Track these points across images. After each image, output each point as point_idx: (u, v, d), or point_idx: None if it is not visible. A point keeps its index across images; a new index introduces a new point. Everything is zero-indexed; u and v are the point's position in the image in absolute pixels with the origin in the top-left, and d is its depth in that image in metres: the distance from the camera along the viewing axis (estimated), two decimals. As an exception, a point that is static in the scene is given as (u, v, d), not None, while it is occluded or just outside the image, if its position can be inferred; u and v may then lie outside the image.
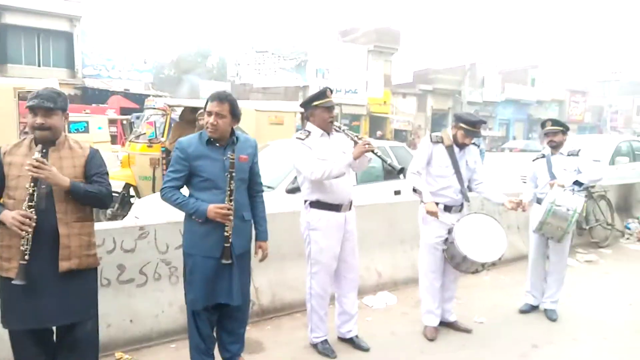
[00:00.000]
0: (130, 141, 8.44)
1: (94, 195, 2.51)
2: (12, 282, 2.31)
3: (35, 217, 2.32)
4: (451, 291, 4.03)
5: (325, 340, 3.54)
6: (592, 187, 6.85)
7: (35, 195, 2.33)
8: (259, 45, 29.94)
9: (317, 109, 3.38)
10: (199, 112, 7.27)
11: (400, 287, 4.93)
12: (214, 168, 2.80)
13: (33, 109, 2.41)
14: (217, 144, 2.84)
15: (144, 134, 8.27)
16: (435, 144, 3.81)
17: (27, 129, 2.56)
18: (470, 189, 3.97)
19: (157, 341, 3.55)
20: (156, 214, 4.37)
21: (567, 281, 4.45)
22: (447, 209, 3.77)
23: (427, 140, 3.85)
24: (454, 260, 3.69)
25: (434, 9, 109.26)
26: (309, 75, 29.40)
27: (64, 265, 2.44)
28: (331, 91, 3.41)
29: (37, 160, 2.31)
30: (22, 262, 2.30)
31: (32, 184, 2.31)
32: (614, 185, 7.83)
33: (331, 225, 3.38)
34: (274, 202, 4.78)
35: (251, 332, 3.69)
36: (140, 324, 3.53)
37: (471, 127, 3.71)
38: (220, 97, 2.82)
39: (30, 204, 2.31)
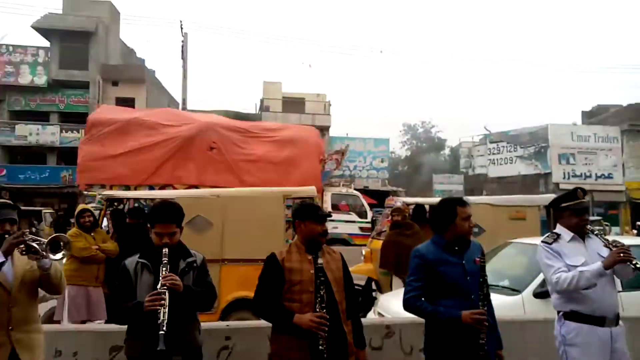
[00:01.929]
0: (372, 237, 9.05)
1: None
2: None
3: (327, 316, 2.64)
4: None
5: None
6: None
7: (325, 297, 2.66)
8: (493, 135, 29.55)
9: (566, 210, 3.20)
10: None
11: None
12: (455, 273, 2.85)
13: (323, 219, 2.82)
14: (456, 248, 2.91)
15: (385, 231, 8.78)
16: None
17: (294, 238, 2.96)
18: None
19: None
20: (400, 312, 4.52)
21: None
22: None
23: None
24: None
25: None
26: (552, 161, 27.40)
27: None
28: (584, 192, 3.21)
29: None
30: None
31: (322, 287, 2.66)
32: None
33: (592, 342, 3.00)
34: (520, 307, 4.48)
35: None
36: None
37: None
38: None
39: (322, 305, 2.64)
